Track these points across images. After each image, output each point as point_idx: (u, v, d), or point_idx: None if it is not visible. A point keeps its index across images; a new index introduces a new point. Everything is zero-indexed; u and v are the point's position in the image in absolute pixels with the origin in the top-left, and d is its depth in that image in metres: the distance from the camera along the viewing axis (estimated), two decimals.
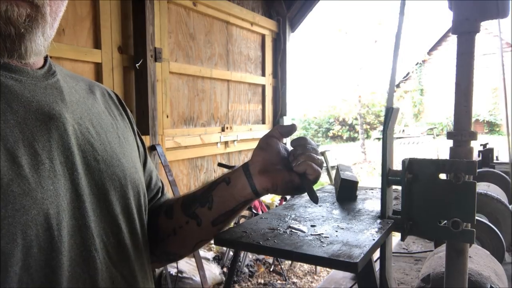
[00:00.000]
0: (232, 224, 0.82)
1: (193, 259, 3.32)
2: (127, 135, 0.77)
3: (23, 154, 0.52)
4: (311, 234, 0.70)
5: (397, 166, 0.76)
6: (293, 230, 0.73)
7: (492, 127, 18.28)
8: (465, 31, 0.68)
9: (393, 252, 1.55)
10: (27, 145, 0.53)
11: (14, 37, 0.54)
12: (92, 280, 0.58)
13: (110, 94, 0.81)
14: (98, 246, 0.59)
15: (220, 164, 3.81)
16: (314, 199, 0.69)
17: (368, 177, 10.64)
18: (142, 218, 0.73)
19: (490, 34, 16.78)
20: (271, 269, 4.08)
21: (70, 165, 0.58)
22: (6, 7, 0.53)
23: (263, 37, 5.11)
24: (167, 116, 3.59)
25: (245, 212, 4.04)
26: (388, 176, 0.75)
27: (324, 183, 9.26)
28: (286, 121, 5.31)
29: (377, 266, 0.80)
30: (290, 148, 0.77)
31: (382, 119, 18.28)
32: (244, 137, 4.71)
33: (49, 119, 0.58)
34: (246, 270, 3.94)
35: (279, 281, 3.89)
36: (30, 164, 0.53)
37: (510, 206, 1.43)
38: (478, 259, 1.02)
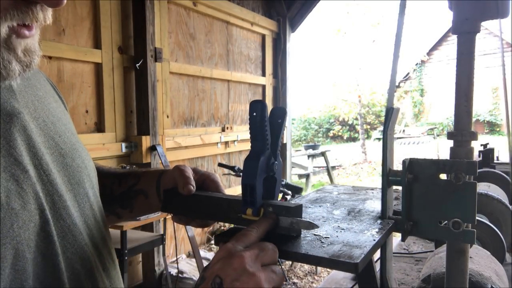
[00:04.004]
0: (232, 225, 0.82)
1: (193, 260, 3.32)
2: (67, 114, 0.72)
3: (8, 164, 0.49)
4: (313, 234, 0.70)
5: (397, 166, 0.76)
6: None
7: (492, 127, 18.28)
8: (465, 31, 0.68)
9: (394, 253, 1.55)
10: (6, 154, 0.49)
11: None
12: (89, 273, 0.59)
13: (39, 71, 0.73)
14: (86, 240, 0.60)
15: (220, 164, 3.80)
16: None
17: (369, 177, 10.64)
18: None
19: (490, 34, 16.78)
20: None
21: (45, 166, 0.55)
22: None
23: (263, 37, 5.12)
24: (168, 116, 3.59)
25: None
26: (388, 177, 0.74)
27: (324, 183, 9.25)
28: (287, 121, 5.32)
29: (377, 267, 0.80)
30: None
31: (382, 119, 18.29)
32: (245, 137, 4.70)
33: (14, 119, 0.52)
34: None
35: None
36: (16, 175, 0.49)
37: (510, 207, 1.43)
38: (479, 259, 1.02)
